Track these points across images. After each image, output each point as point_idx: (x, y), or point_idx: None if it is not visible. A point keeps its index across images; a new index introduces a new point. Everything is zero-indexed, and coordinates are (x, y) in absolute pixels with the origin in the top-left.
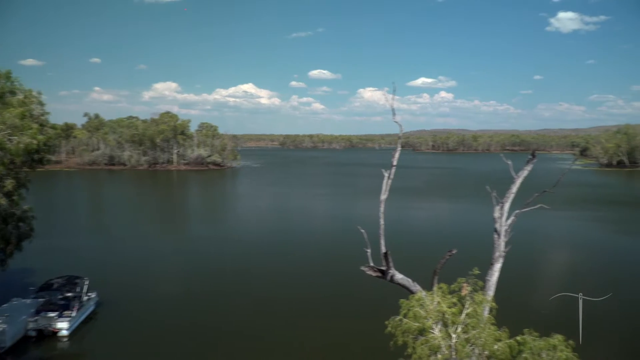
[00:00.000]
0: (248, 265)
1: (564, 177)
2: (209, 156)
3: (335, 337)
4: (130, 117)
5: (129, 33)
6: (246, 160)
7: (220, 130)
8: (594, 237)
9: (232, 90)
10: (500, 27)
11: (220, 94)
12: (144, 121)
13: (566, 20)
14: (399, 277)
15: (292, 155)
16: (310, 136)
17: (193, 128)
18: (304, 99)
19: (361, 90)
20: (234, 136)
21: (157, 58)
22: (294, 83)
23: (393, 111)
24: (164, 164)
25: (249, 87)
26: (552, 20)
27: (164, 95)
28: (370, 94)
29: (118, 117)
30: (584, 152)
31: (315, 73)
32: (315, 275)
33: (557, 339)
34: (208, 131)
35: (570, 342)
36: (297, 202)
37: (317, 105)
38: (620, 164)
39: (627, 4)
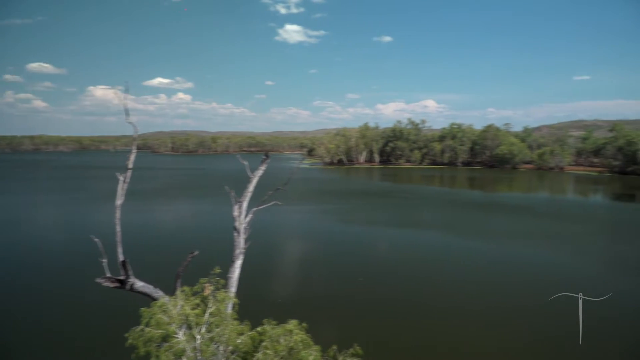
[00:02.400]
0: None
1: (294, 175)
2: None
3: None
4: None
5: None
6: None
7: None
8: (320, 226)
9: None
10: (233, 33)
11: None
12: None
13: (292, 32)
14: (139, 285)
15: (9, 159)
16: (32, 137)
17: None
18: (22, 95)
19: (92, 88)
20: None
21: None
22: (8, 77)
23: (127, 111)
24: None
25: None
26: (280, 31)
27: None
28: (103, 92)
29: None
30: (311, 152)
31: (35, 66)
32: (43, 294)
33: (292, 324)
34: None
35: (304, 324)
36: (17, 213)
37: (39, 103)
38: (340, 162)
39: (341, 22)
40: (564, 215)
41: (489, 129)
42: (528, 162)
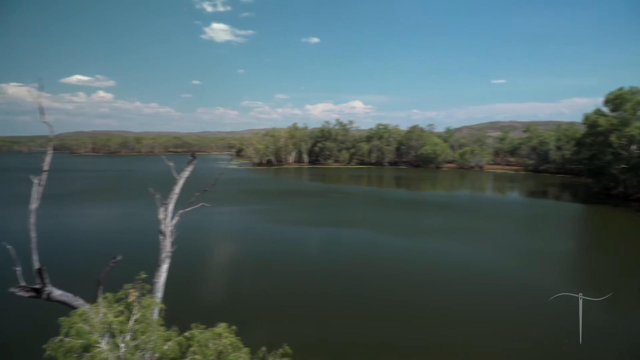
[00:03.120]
0: None
1: (222, 176)
2: None
3: None
4: None
5: None
6: None
7: None
8: (249, 227)
9: None
10: (157, 29)
11: None
12: None
13: (219, 30)
14: (57, 293)
15: None
16: None
17: None
18: None
19: (3, 85)
20: None
21: None
22: None
23: (41, 110)
24: None
25: None
26: (206, 29)
27: None
28: (15, 89)
29: None
30: (239, 153)
31: None
32: None
33: (221, 327)
34: None
35: (233, 327)
36: None
37: None
38: (269, 162)
39: (269, 22)
40: (486, 212)
41: (413, 129)
42: (450, 162)
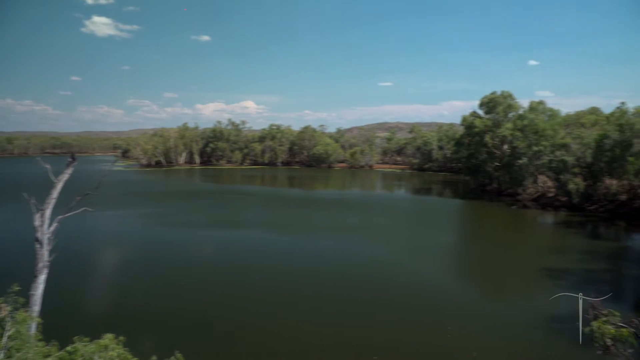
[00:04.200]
0: None
1: (107, 178)
2: None
3: None
4: None
5: None
6: None
7: None
8: (137, 231)
9: None
10: (31, 21)
11: None
12: None
13: (101, 24)
14: None
15: None
16: None
17: None
18: None
19: None
20: None
21: None
22: None
23: None
24: None
25: None
26: (87, 22)
27: None
28: None
29: None
30: (125, 154)
31: None
32: None
33: (107, 338)
34: None
35: (121, 338)
36: None
37: None
38: (158, 163)
39: (156, 17)
40: (378, 209)
41: (306, 130)
42: (342, 161)
